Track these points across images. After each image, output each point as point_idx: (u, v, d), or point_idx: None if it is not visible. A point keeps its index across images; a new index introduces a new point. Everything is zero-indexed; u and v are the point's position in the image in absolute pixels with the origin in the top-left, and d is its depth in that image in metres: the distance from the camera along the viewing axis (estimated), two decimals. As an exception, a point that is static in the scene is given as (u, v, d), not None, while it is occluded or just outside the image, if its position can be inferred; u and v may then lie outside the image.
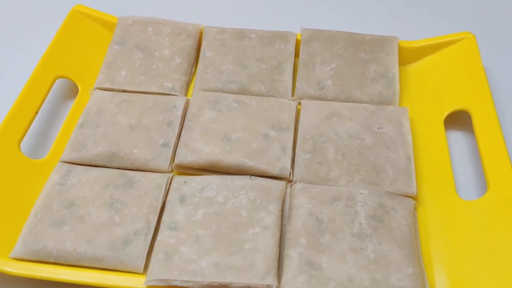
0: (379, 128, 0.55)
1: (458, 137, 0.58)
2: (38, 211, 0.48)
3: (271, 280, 0.43)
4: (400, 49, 0.63)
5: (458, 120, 0.58)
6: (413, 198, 0.50)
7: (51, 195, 0.49)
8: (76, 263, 0.45)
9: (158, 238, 0.46)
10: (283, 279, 0.43)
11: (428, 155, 0.55)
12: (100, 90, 0.59)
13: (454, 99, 0.58)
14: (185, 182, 0.51)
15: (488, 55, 0.62)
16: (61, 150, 0.54)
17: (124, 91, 0.60)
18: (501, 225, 0.46)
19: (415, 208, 0.50)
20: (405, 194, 0.50)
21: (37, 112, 0.56)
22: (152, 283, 0.43)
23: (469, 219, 0.48)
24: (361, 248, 0.45)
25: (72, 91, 0.62)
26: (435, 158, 0.55)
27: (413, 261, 0.44)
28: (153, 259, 0.45)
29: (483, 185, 0.52)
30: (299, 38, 0.64)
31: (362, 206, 0.48)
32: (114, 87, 0.60)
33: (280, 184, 0.51)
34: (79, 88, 0.60)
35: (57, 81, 0.60)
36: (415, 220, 0.49)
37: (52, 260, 0.45)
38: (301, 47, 0.63)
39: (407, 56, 0.64)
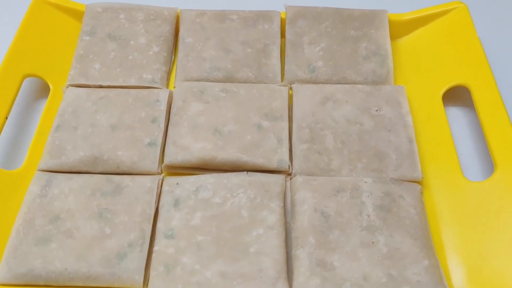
0: (377, 110, 0.53)
1: (456, 113, 0.57)
2: (19, 229, 0.44)
3: (282, 286, 0.40)
4: (390, 22, 0.60)
5: (456, 96, 0.56)
6: (419, 183, 0.48)
7: (32, 210, 0.45)
8: (68, 284, 0.42)
9: (155, 248, 0.43)
10: (295, 283, 0.41)
11: (429, 135, 0.53)
12: (74, 87, 0.55)
13: (451, 74, 0.56)
14: (177, 183, 0.47)
15: (481, 24, 0.59)
16: (37, 158, 0.50)
17: (101, 86, 0.55)
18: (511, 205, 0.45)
19: (422, 193, 0.48)
20: (410, 179, 0.48)
21: (6, 117, 0.51)
22: (155, 300, 0.39)
23: (478, 201, 0.47)
24: (373, 242, 0.43)
25: (42, 90, 0.57)
26: (436, 138, 0.53)
27: (428, 252, 0.43)
28: (152, 273, 0.41)
29: (488, 164, 0.51)
30: (283, 17, 0.61)
31: (368, 196, 0.46)
32: (89, 82, 0.55)
33: (280, 178, 0.48)
34: (50, 87, 0.56)
35: (25, 80, 0.55)
36: (423, 207, 0.47)
37: (41, 283, 0.42)
38: (286, 26, 0.60)
39: (397, 30, 0.61)
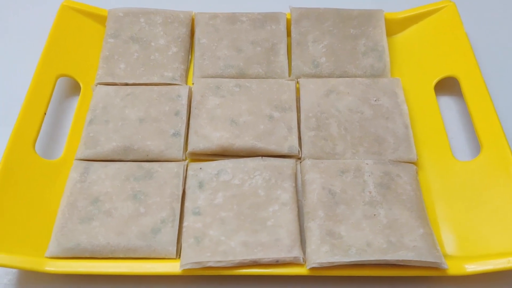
0: (375, 100, 0.59)
1: (447, 101, 0.62)
2: (64, 211, 0.50)
3: (297, 252, 0.46)
4: (386, 21, 0.66)
5: (446, 86, 0.62)
6: (414, 163, 0.54)
7: (74, 194, 0.51)
8: (110, 256, 0.47)
9: (185, 224, 0.49)
10: (308, 250, 0.47)
11: (423, 121, 0.59)
12: (102, 85, 0.60)
13: (442, 67, 0.62)
14: (200, 168, 0.53)
15: (468, 21, 0.65)
16: (74, 149, 0.55)
17: (126, 84, 0.61)
18: (496, 181, 0.51)
19: (417, 172, 0.54)
20: (407, 161, 0.54)
21: (45, 113, 0.57)
22: (188, 267, 0.45)
23: (467, 178, 0.53)
24: (374, 215, 0.49)
25: (73, 88, 0.63)
26: (429, 124, 0.59)
27: (422, 222, 0.49)
28: (184, 244, 0.47)
29: (475, 145, 0.57)
30: (288, 17, 0.66)
31: (369, 175, 0.52)
32: (116, 81, 0.61)
33: (291, 162, 0.54)
34: (81, 85, 0.61)
35: (58, 80, 0.60)
36: (418, 184, 0.53)
37: (87, 255, 0.47)
38: (292, 26, 0.65)
39: (392, 27, 0.67)
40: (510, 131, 0.55)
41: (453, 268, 0.46)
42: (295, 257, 0.46)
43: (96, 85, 0.60)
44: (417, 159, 0.54)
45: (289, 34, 0.66)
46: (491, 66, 0.62)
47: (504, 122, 0.55)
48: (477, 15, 0.71)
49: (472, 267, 0.46)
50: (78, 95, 0.61)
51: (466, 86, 0.58)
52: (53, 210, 0.51)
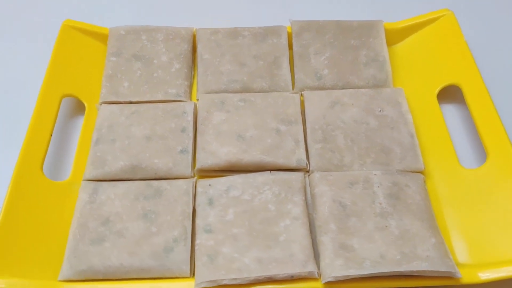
0: (380, 111, 0.59)
1: (450, 109, 0.63)
2: (76, 232, 0.50)
3: (311, 267, 0.46)
4: (385, 31, 0.67)
5: (449, 94, 0.63)
6: (421, 172, 0.55)
7: (84, 215, 0.51)
8: (124, 277, 0.47)
9: (197, 242, 0.49)
10: (322, 264, 0.47)
11: (428, 130, 0.59)
12: (107, 104, 0.60)
13: (443, 75, 0.62)
14: (209, 185, 0.53)
15: (467, 29, 0.66)
16: (82, 169, 0.55)
17: (130, 102, 0.61)
18: (504, 187, 0.52)
19: (425, 181, 0.54)
20: (414, 170, 0.55)
21: (51, 135, 0.56)
22: (203, 285, 0.45)
23: (474, 186, 0.53)
24: (386, 226, 0.49)
25: (78, 108, 0.63)
26: (434, 132, 0.59)
27: (434, 232, 0.49)
28: (197, 262, 0.47)
29: (481, 153, 0.57)
30: (289, 30, 0.67)
31: (378, 186, 0.52)
32: (120, 99, 0.61)
33: (300, 175, 0.54)
34: (85, 105, 0.61)
35: (62, 100, 0.60)
36: (426, 193, 0.53)
37: (100, 277, 0.47)
38: (293, 39, 0.66)
39: (392, 37, 0.68)
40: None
41: (467, 276, 0.46)
42: (310, 272, 0.46)
43: (101, 104, 0.60)
44: (424, 168, 0.55)
45: (290, 47, 0.66)
46: (491, 73, 0.63)
47: (507, 128, 0.55)
48: (475, 23, 0.72)
49: (485, 275, 0.46)
50: (83, 115, 0.61)
51: (469, 94, 0.59)
52: (64, 232, 0.50)
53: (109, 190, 0.53)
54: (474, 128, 0.58)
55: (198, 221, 0.51)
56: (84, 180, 0.54)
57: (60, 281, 0.47)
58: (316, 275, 0.46)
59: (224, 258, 0.47)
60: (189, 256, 0.48)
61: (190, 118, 0.58)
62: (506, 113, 0.58)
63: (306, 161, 0.55)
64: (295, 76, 0.63)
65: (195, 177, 0.55)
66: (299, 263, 0.46)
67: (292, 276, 0.46)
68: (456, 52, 0.63)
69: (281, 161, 0.55)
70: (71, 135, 0.61)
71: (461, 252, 0.50)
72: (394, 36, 0.68)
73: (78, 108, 0.63)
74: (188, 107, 0.59)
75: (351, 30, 0.66)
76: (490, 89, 0.59)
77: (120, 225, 0.50)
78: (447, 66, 0.63)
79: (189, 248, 0.49)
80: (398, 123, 0.58)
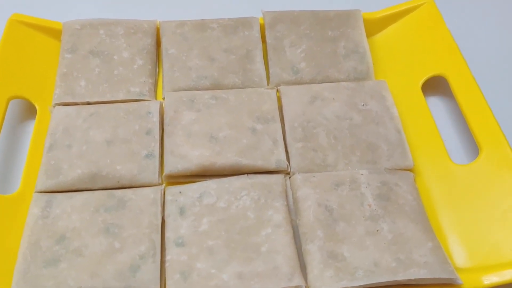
0: (363, 105, 0.55)
1: (435, 102, 0.59)
2: (26, 253, 0.43)
3: (298, 280, 0.41)
4: (364, 21, 0.63)
5: (432, 85, 0.59)
6: (411, 170, 0.51)
7: (36, 232, 0.44)
8: (84, 302, 0.41)
9: (168, 257, 0.43)
10: (310, 276, 0.42)
11: (414, 125, 0.55)
12: (61, 106, 0.54)
13: (427, 65, 0.59)
14: (180, 192, 0.48)
15: (449, 17, 0.62)
16: (33, 180, 0.49)
17: (88, 103, 0.55)
18: (501, 183, 0.48)
19: (415, 180, 0.50)
20: (403, 168, 0.50)
21: (-4, 142, 0.50)
22: (176, 308, 0.40)
23: (468, 183, 0.50)
24: (377, 230, 0.45)
25: (28, 111, 0.56)
26: (421, 127, 0.55)
27: (430, 234, 0.45)
28: (169, 281, 0.42)
29: (471, 147, 0.54)
30: (261, 22, 0.62)
31: (366, 187, 0.48)
32: (76, 100, 0.55)
33: (280, 178, 0.49)
34: (37, 107, 0.55)
35: (10, 103, 0.54)
36: (418, 192, 0.49)
37: (56, 304, 0.41)
38: (266, 31, 0.61)
39: (371, 28, 0.64)
40: (505, 128, 0.52)
41: (469, 282, 0.42)
42: (296, 286, 0.41)
43: (54, 106, 0.54)
44: (413, 165, 0.50)
45: (263, 39, 0.61)
46: (476, 62, 0.59)
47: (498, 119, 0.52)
48: (456, 10, 0.69)
49: (488, 279, 0.42)
50: (34, 118, 0.54)
51: (455, 85, 0.55)
52: (12, 254, 0.44)
53: (65, 203, 0.46)
54: (463, 121, 0.54)
55: (168, 233, 0.45)
56: (36, 192, 0.48)
57: (8, 311, 0.40)
58: (304, 289, 0.41)
59: (199, 275, 0.42)
60: (159, 275, 0.42)
61: (156, 118, 0.53)
62: (494, 104, 0.54)
63: (286, 162, 0.50)
64: (270, 71, 0.58)
65: (163, 184, 0.49)
66: (284, 277, 0.41)
67: (277, 292, 0.41)
68: (439, 41, 0.60)
69: (259, 163, 0.50)
70: (21, 142, 0.54)
71: (458, 254, 0.46)
72: (373, 27, 0.64)
73: (29, 111, 0.56)
74: (153, 107, 0.54)
75: (328, 21, 0.62)
76: (477, 78, 0.55)
77: (78, 242, 0.44)
78: (430, 56, 0.59)
79: (159, 265, 0.43)
80: (383, 118, 0.54)
